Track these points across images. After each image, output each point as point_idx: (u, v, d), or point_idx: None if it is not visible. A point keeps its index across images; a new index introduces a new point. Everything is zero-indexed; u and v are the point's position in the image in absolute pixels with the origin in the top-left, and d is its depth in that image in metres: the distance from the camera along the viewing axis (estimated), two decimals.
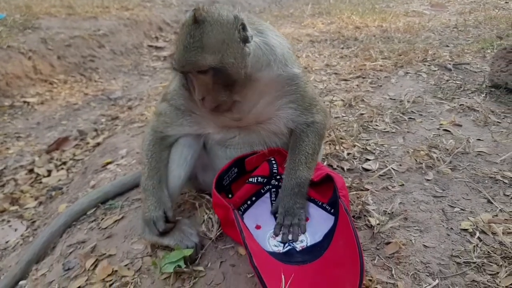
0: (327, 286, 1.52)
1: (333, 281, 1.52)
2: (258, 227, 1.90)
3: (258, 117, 1.89)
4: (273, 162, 2.02)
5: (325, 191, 1.94)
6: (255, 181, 1.98)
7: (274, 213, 1.92)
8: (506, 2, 7.46)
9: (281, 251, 1.74)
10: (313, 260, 1.63)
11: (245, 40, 1.65)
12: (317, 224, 1.85)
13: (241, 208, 1.95)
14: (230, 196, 2.00)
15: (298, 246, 1.76)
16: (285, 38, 1.94)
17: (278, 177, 2.03)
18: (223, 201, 1.78)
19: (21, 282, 2.19)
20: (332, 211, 1.86)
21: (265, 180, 2.02)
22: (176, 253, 1.75)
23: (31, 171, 3.87)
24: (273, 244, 1.78)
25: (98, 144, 4.09)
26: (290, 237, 1.79)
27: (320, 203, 1.94)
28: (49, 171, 3.84)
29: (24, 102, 5.63)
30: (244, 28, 1.66)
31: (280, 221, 1.86)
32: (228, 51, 1.61)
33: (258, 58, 1.73)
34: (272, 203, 2.01)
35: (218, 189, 1.87)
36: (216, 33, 1.60)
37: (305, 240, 1.79)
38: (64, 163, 3.96)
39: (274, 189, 2.04)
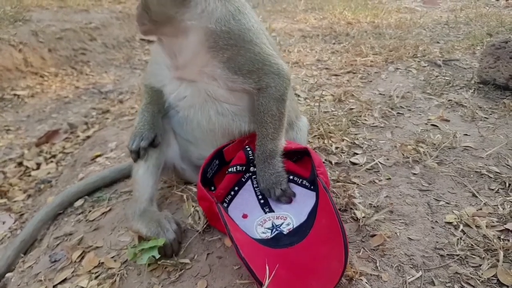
0: (315, 264, 1.54)
1: (321, 258, 1.54)
2: (245, 216, 1.90)
3: (192, 65, 1.88)
4: (248, 149, 2.02)
5: (303, 167, 1.97)
6: (235, 170, 1.99)
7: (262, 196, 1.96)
8: (496, 0, 7.51)
9: (269, 237, 1.76)
10: (300, 241, 1.64)
11: None
12: (301, 203, 1.87)
13: (225, 199, 1.95)
14: (212, 188, 2.00)
15: (285, 229, 1.77)
16: (250, 10, 1.95)
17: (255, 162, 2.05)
18: (207, 194, 1.79)
19: (8, 274, 2.18)
20: (312, 187, 1.88)
21: (244, 167, 2.02)
22: (149, 242, 1.76)
23: (20, 164, 3.85)
24: (261, 232, 1.79)
25: (88, 137, 4.07)
26: (283, 200, 1.86)
27: (299, 181, 1.95)
28: (38, 164, 3.82)
29: (14, 95, 5.57)
30: None
31: (267, 196, 1.92)
32: None
33: (193, 8, 1.75)
34: (255, 190, 2.01)
35: (204, 182, 1.88)
36: None
37: (291, 222, 1.81)
38: (54, 156, 3.94)
39: (254, 176, 2.04)
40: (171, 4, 1.72)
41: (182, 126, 2.08)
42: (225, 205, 1.92)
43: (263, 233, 1.78)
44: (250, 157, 2.01)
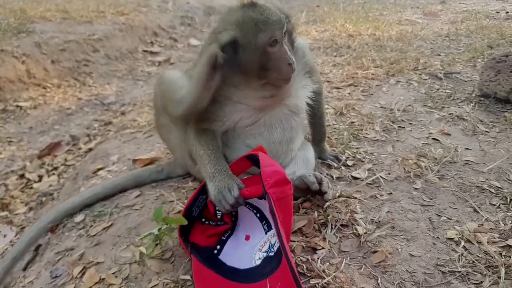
0: None
1: None
2: (247, 237, 1.88)
3: (287, 93, 2.07)
4: None
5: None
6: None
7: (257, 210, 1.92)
8: (497, 12, 7.54)
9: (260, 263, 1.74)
10: (277, 268, 1.60)
11: None
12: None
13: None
14: (204, 220, 1.95)
15: (275, 247, 1.73)
16: None
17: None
18: (184, 247, 1.88)
19: None
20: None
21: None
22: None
23: (22, 176, 3.86)
24: (258, 258, 1.77)
25: (90, 149, 4.08)
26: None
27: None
28: (40, 177, 3.83)
29: (17, 106, 5.61)
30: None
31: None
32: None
33: None
34: (253, 212, 1.93)
35: (190, 220, 1.86)
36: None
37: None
38: (56, 168, 3.95)
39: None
40: None
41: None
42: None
43: (259, 259, 1.75)
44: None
